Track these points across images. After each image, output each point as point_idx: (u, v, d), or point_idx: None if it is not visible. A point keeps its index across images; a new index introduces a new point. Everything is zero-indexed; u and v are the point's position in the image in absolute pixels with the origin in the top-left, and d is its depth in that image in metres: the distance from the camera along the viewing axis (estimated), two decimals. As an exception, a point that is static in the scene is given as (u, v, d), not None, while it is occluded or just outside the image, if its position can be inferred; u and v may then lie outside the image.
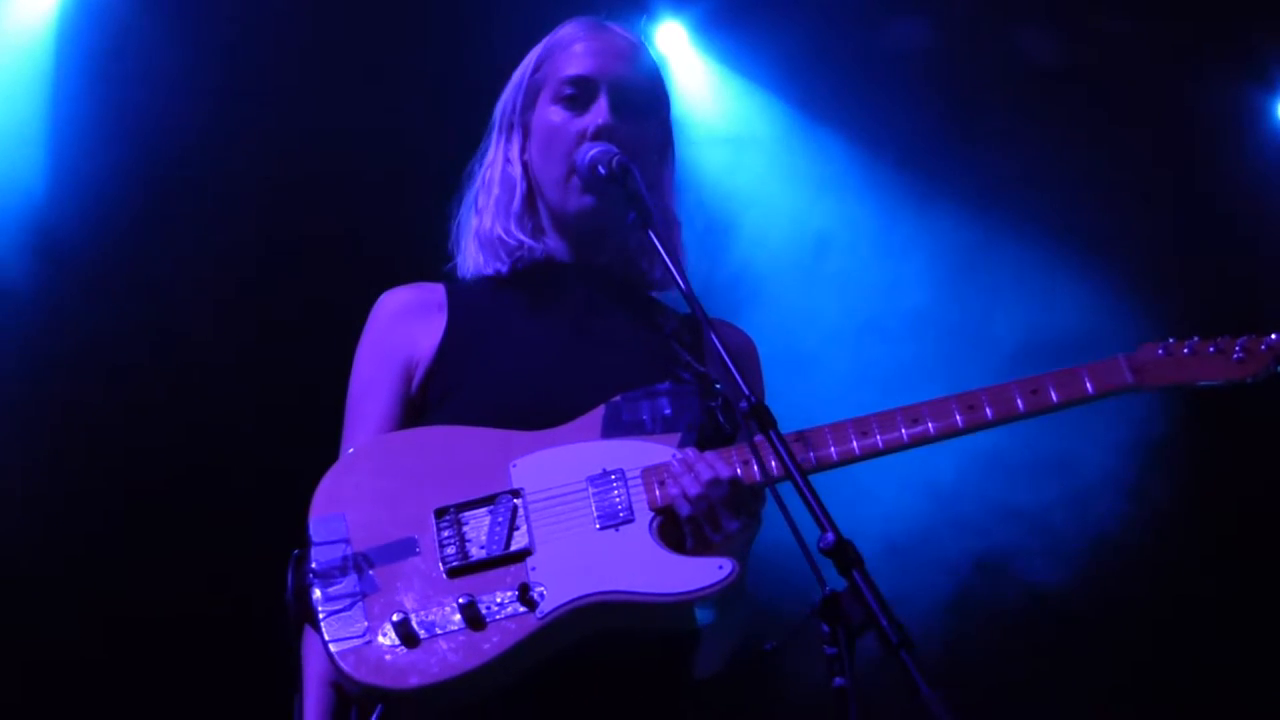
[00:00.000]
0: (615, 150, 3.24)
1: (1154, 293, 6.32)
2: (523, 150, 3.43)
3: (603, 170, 3.21)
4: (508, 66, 3.53)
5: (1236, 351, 3.00)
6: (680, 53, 6.65)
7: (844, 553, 2.51)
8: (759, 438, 2.84)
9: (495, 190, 3.42)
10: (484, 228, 3.41)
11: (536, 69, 3.44)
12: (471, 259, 3.43)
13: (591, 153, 3.25)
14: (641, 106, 3.39)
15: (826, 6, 6.50)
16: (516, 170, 3.41)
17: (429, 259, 3.57)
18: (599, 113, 3.32)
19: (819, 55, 6.53)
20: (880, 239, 6.49)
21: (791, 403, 3.32)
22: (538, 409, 3.17)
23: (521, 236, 3.37)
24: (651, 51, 3.53)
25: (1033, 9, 6.66)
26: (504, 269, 3.38)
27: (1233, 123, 6.82)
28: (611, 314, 3.37)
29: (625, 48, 3.43)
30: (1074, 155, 6.56)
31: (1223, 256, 6.60)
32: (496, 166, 3.45)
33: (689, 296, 2.95)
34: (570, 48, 3.41)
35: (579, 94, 3.35)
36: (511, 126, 3.45)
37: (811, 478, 2.65)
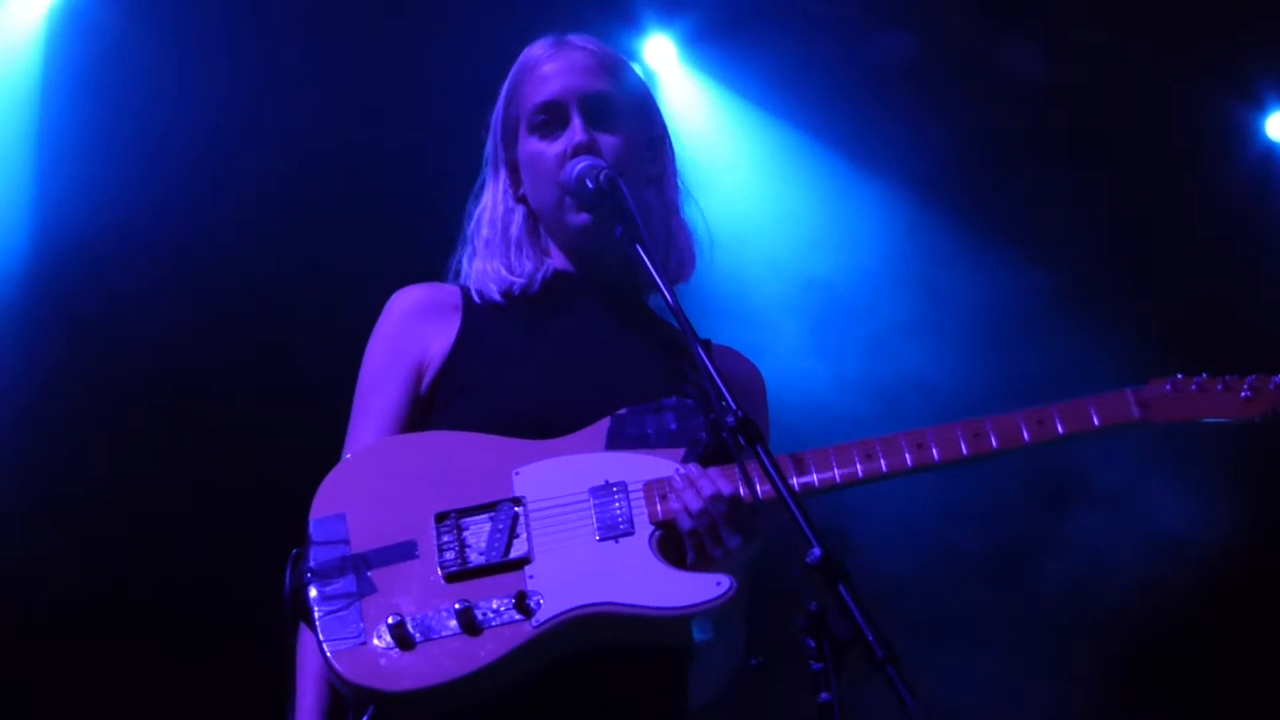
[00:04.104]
0: (601, 164, 3.25)
1: (1140, 310, 6.34)
2: (515, 185, 3.46)
3: (590, 184, 3.22)
4: (496, 76, 3.54)
5: (1245, 390, 2.96)
6: (669, 67, 6.70)
7: (830, 568, 2.51)
8: (759, 454, 2.83)
9: (485, 231, 3.46)
10: (479, 269, 3.43)
11: (509, 104, 3.46)
12: (476, 297, 3.43)
13: (578, 168, 3.26)
14: (617, 112, 3.38)
15: (814, 21, 6.55)
16: (502, 209, 3.44)
17: (428, 266, 3.59)
18: (574, 132, 3.33)
19: (807, 69, 6.58)
20: (867, 252, 6.50)
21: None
22: (544, 418, 3.18)
23: (514, 278, 3.38)
24: (614, 52, 3.51)
25: (1019, 25, 6.68)
26: (503, 303, 3.39)
27: (1222, 141, 6.84)
28: (620, 328, 3.38)
29: (587, 60, 3.42)
30: (1061, 172, 6.58)
31: (1214, 275, 6.61)
32: (487, 208, 3.48)
33: (676, 311, 2.96)
34: (534, 74, 3.42)
35: (551, 119, 3.36)
36: (498, 165, 3.48)
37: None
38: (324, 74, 6.15)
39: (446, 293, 3.41)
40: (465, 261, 3.48)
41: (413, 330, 3.35)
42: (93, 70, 6.00)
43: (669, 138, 3.54)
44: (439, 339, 3.33)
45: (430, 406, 3.30)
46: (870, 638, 2.44)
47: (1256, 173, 6.91)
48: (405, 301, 3.40)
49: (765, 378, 3.50)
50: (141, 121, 5.94)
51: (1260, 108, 6.96)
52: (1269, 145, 6.99)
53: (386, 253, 5.53)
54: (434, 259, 3.56)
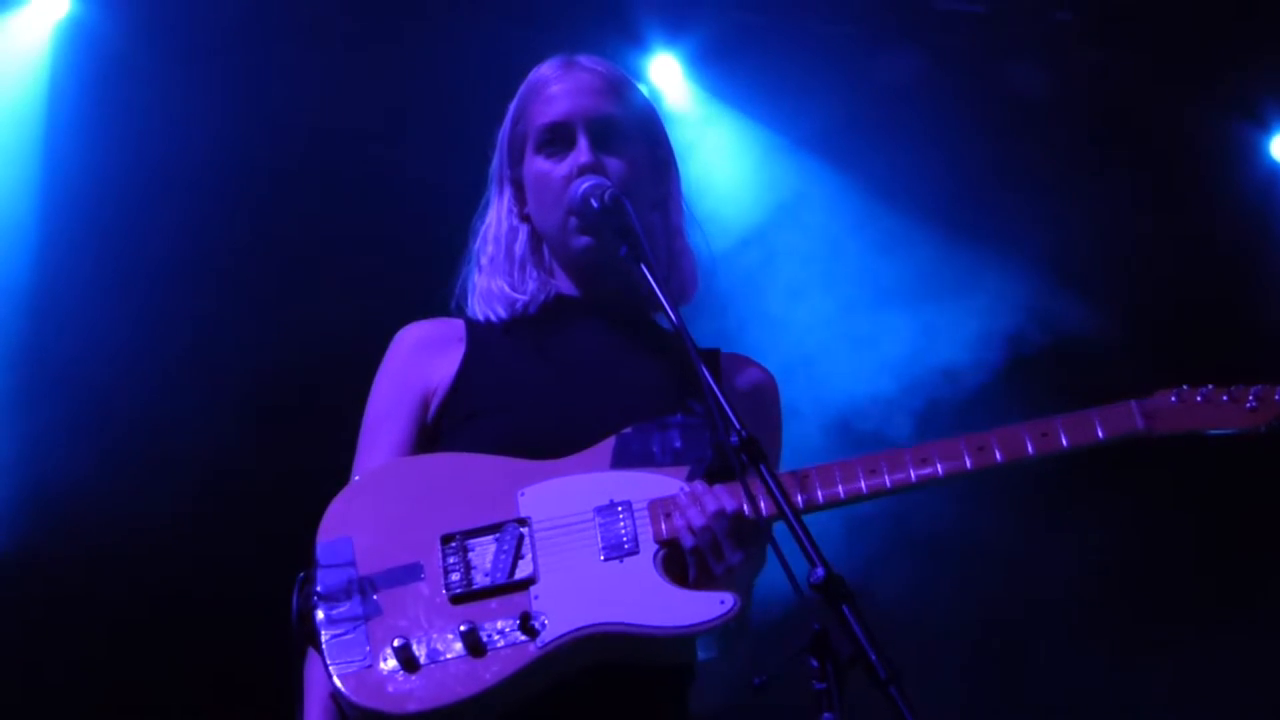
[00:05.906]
0: (607, 183, 3.27)
1: (1144, 328, 6.33)
2: (519, 204, 3.47)
3: (595, 203, 3.23)
4: (503, 94, 3.55)
5: (1250, 400, 2.96)
6: (673, 86, 6.73)
7: (834, 587, 2.51)
8: (762, 474, 2.82)
9: (490, 248, 3.48)
10: (484, 286, 3.45)
11: (516, 122, 3.48)
12: (480, 313, 3.45)
13: (583, 187, 3.28)
14: (624, 134, 3.40)
15: (819, 39, 6.59)
16: (506, 227, 3.46)
17: (433, 293, 3.61)
18: (581, 153, 3.34)
19: (811, 88, 6.60)
20: (869, 271, 6.51)
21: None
22: (549, 439, 3.18)
23: (518, 295, 3.40)
24: (622, 74, 3.53)
25: (1024, 44, 6.71)
26: (507, 318, 3.41)
27: (1227, 160, 6.87)
28: (625, 346, 3.38)
29: (595, 81, 3.43)
30: (1065, 191, 6.60)
31: (1218, 291, 6.62)
32: (492, 225, 3.50)
33: (680, 330, 2.96)
34: (542, 94, 3.44)
35: (558, 139, 3.38)
36: (503, 183, 3.50)
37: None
38: (329, 90, 6.19)
39: (450, 326, 3.44)
40: (470, 278, 3.50)
41: (418, 363, 3.37)
42: (98, 85, 6.06)
43: (675, 161, 3.55)
44: (443, 369, 3.35)
45: (436, 433, 3.32)
46: (873, 658, 2.43)
47: (1260, 193, 6.93)
48: (410, 337, 3.43)
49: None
50: (146, 135, 5.99)
51: (1264, 128, 6.99)
52: (1273, 166, 7.01)
53: (388, 261, 5.56)
54: (436, 263, 3.59)
